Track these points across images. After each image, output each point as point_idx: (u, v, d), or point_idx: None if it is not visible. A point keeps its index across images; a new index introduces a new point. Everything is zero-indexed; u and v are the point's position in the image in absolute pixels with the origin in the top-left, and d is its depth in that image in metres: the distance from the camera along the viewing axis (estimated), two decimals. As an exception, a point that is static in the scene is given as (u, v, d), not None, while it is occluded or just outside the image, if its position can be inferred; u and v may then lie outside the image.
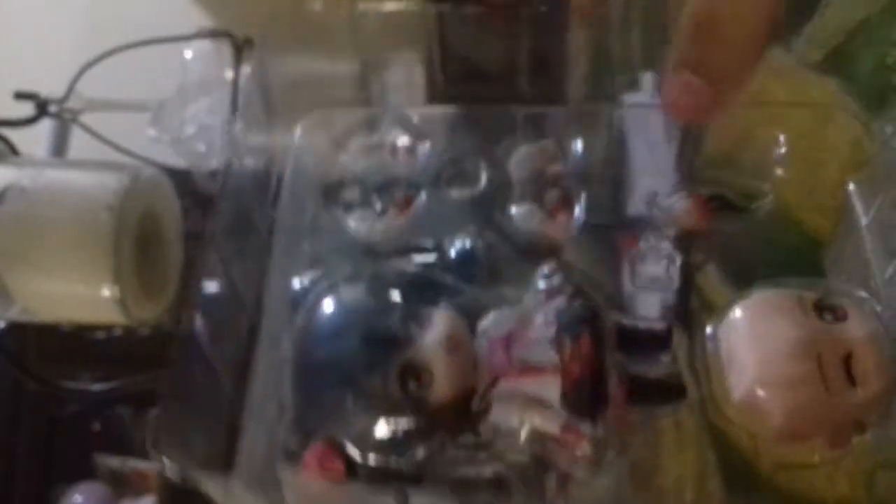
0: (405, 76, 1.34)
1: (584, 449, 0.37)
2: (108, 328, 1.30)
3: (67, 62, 0.96)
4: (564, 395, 0.38)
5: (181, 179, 0.87)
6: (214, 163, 1.08)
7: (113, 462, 1.49)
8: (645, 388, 0.38)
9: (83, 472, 1.45)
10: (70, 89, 0.95)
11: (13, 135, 0.78)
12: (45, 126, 1.03)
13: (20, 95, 0.93)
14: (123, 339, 1.33)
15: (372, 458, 0.42)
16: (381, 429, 0.42)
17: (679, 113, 0.28)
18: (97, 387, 0.94)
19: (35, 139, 1.01)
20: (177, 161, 1.05)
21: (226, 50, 1.04)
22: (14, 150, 0.78)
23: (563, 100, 0.87)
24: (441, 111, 0.51)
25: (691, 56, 0.27)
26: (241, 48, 1.00)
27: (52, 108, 0.94)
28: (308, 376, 0.45)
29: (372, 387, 0.41)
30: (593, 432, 0.38)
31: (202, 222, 1.25)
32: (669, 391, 0.39)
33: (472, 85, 1.24)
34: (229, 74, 1.00)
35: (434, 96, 1.25)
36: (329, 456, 0.42)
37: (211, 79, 1.06)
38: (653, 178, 0.43)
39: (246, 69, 1.02)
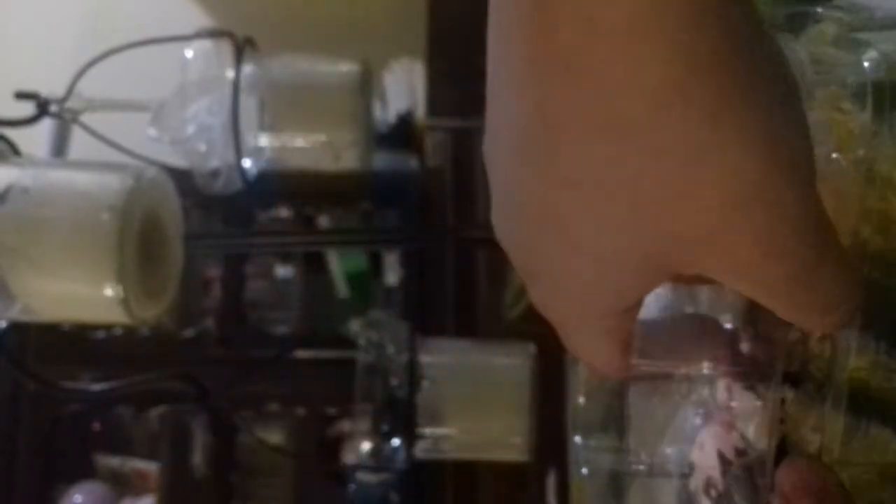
0: (406, 79, 1.34)
1: None
2: (108, 328, 1.30)
3: (67, 62, 0.96)
4: None
5: (181, 179, 0.87)
6: (214, 162, 1.08)
7: (113, 462, 1.49)
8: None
9: (83, 471, 1.45)
10: (70, 89, 0.95)
11: (13, 135, 0.78)
12: (46, 126, 1.03)
13: (20, 95, 0.93)
14: (123, 339, 1.33)
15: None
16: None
17: None
18: (97, 387, 0.94)
19: (35, 139, 1.01)
20: (177, 161, 1.05)
21: (226, 50, 1.04)
22: (15, 150, 0.77)
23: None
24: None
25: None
26: (241, 48, 1.00)
27: (53, 108, 0.94)
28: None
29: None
30: None
31: (202, 222, 1.26)
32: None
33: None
34: (229, 74, 1.00)
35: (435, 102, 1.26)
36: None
37: (211, 79, 1.06)
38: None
39: (246, 69, 1.02)
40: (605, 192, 0.20)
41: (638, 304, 0.24)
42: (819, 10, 0.30)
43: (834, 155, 0.27)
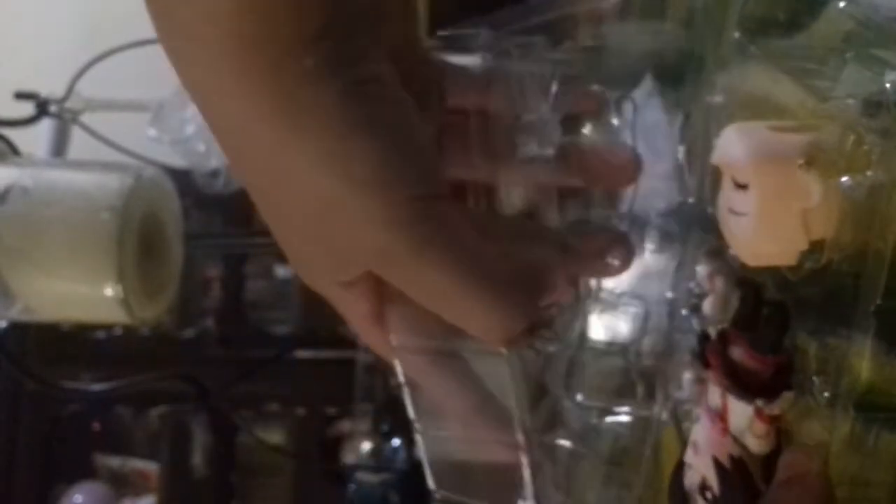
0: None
1: None
2: (108, 328, 1.30)
3: (67, 62, 0.96)
4: None
5: (181, 179, 0.87)
6: (214, 162, 1.08)
7: (113, 462, 1.49)
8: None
9: (83, 471, 1.45)
10: (70, 89, 0.95)
11: (13, 135, 0.78)
12: (45, 126, 1.03)
13: (20, 95, 0.93)
14: (123, 339, 1.33)
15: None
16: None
17: None
18: (97, 387, 0.94)
19: (35, 139, 1.01)
20: (177, 161, 1.05)
21: (226, 50, 1.04)
22: (15, 150, 0.77)
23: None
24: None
25: None
26: (241, 48, 0.99)
27: (52, 108, 0.94)
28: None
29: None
30: None
31: (202, 222, 1.26)
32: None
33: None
34: (229, 74, 1.00)
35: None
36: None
37: (211, 79, 1.06)
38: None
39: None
40: (299, 230, 0.30)
41: (355, 282, 0.31)
42: (841, 4, 0.29)
43: (845, 177, 0.27)
